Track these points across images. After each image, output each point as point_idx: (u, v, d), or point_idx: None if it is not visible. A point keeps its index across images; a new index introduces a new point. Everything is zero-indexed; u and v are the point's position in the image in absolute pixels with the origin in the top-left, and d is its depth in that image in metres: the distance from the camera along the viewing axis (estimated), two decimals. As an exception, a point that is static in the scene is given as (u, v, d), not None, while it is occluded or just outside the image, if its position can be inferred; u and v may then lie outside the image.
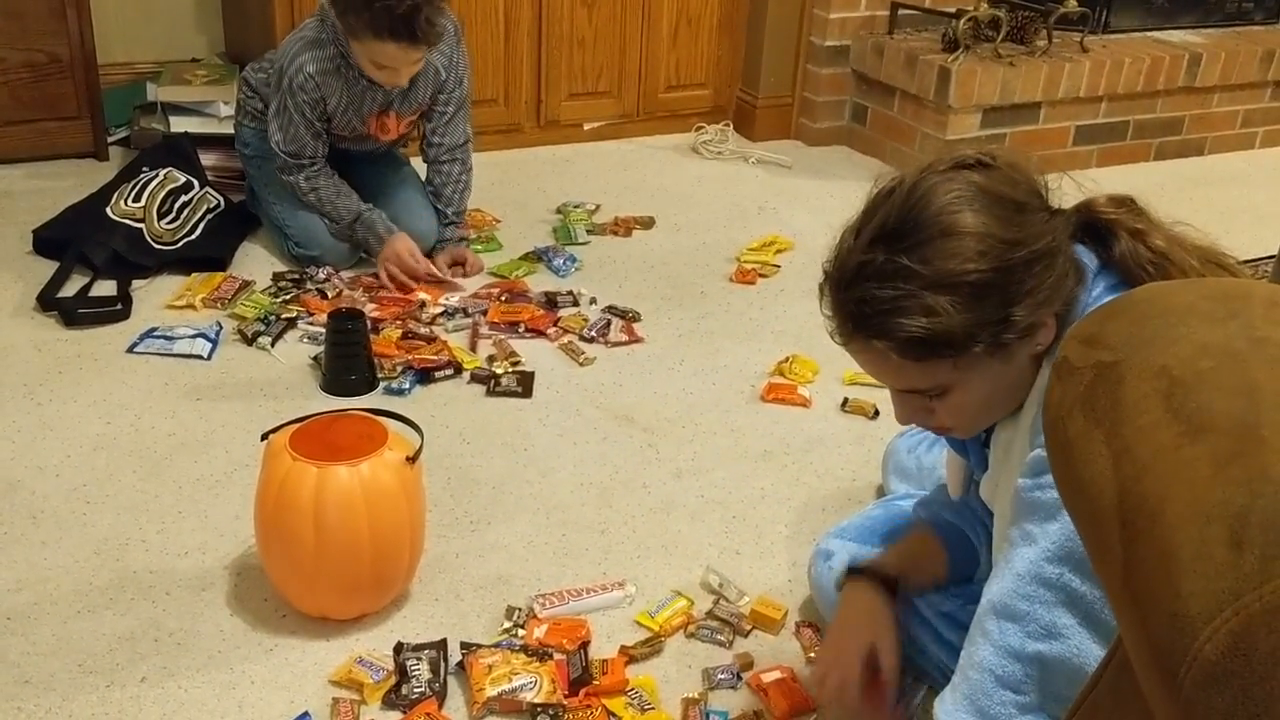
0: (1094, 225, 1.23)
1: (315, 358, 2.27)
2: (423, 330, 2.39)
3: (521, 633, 1.60)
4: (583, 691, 1.50)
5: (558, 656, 1.55)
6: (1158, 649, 0.62)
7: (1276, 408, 0.65)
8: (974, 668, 1.20)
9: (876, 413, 2.20)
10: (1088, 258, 1.22)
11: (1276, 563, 0.58)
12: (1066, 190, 1.26)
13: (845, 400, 2.26)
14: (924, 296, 1.13)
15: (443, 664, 1.53)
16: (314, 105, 2.51)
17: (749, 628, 1.66)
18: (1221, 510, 0.62)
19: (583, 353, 2.37)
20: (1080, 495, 0.75)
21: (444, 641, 1.57)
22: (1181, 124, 3.84)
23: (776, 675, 1.56)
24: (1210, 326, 0.74)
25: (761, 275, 2.78)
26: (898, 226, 1.16)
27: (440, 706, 1.48)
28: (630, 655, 1.58)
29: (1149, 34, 3.84)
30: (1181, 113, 3.82)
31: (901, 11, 3.55)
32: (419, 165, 2.83)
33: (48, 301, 2.40)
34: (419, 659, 1.52)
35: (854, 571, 1.50)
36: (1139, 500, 0.67)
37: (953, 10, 3.46)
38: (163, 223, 2.59)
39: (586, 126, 3.56)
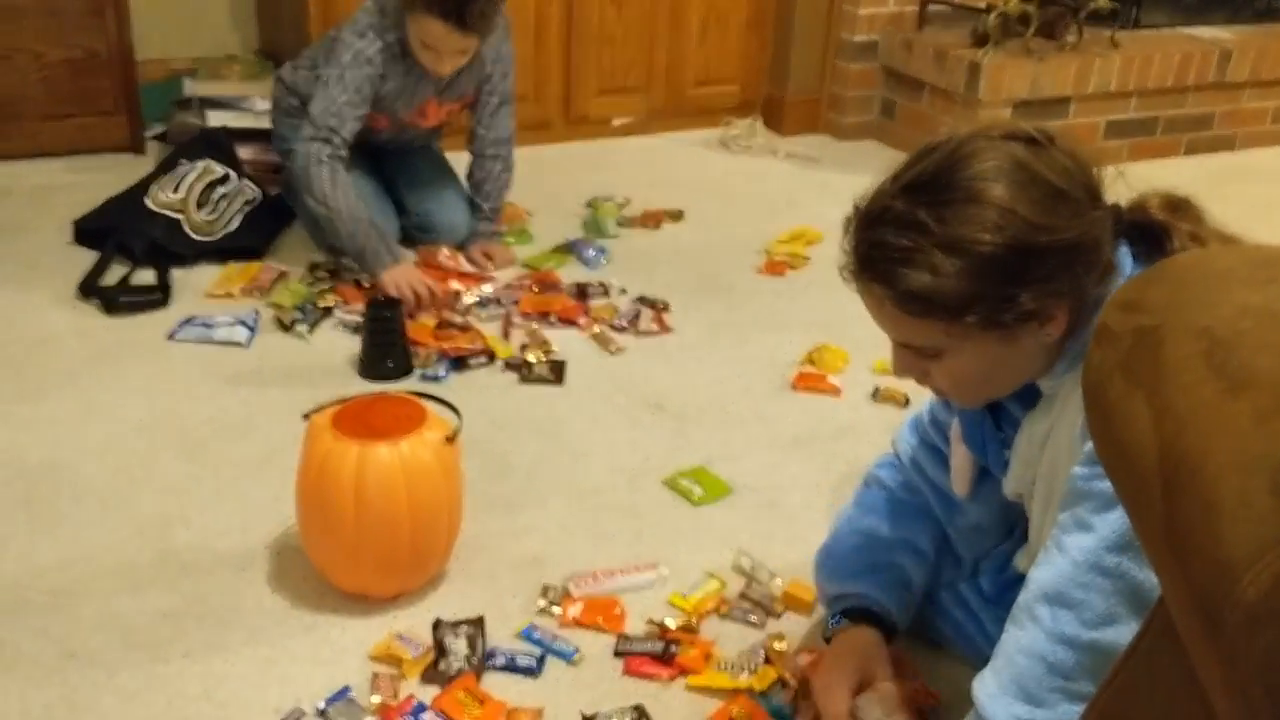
0: (1147, 227, 1.20)
1: (357, 343, 2.28)
2: (457, 319, 2.42)
3: (557, 610, 1.63)
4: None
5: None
6: (1200, 596, 0.63)
7: (1317, 364, 0.67)
8: (1022, 653, 1.17)
9: (908, 401, 2.21)
10: (1127, 258, 1.19)
11: (1318, 508, 0.59)
12: (1119, 191, 1.23)
13: (876, 389, 2.27)
14: (932, 254, 1.13)
15: (480, 640, 1.55)
16: (372, 81, 2.48)
17: (781, 609, 1.68)
18: (1263, 462, 0.63)
19: (613, 342, 2.39)
20: (1122, 456, 0.76)
21: (481, 619, 1.59)
22: (1212, 119, 3.83)
23: (808, 658, 1.57)
24: (1250, 289, 0.75)
25: (791, 267, 2.79)
26: (930, 181, 1.16)
27: (479, 681, 1.50)
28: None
29: (1179, 30, 3.83)
30: (1212, 108, 3.81)
31: (930, 7, 3.56)
32: (453, 157, 2.86)
33: (89, 289, 2.44)
34: (457, 635, 1.55)
35: (849, 614, 1.47)
36: (1181, 455, 0.68)
37: (982, 5, 3.46)
38: (201, 214, 2.63)
39: (615, 122, 3.58)
